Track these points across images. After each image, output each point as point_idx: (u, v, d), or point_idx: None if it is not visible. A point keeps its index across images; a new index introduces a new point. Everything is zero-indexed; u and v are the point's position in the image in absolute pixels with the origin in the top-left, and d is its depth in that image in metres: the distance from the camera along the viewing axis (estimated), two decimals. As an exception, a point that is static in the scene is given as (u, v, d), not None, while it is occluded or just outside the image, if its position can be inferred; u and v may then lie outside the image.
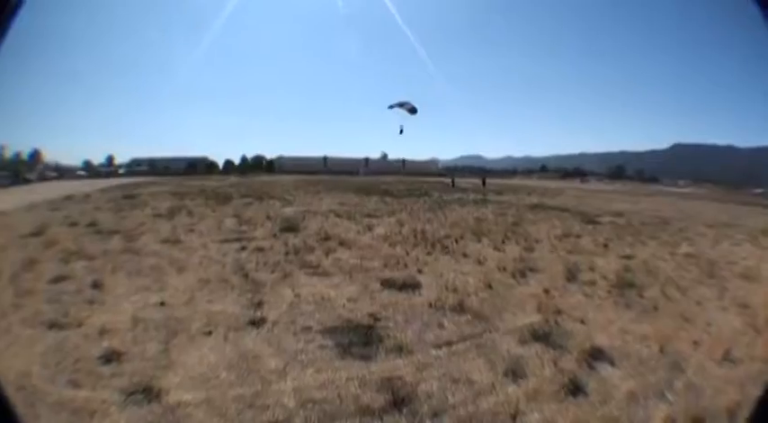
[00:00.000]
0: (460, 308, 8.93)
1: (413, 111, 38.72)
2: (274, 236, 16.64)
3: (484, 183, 53.70)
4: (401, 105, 38.92)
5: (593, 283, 10.79)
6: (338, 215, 22.91)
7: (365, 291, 10.13)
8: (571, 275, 11.41)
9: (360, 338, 7.42)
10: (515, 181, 68.10)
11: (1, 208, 23.74)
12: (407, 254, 14.05)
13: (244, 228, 18.44)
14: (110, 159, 64.49)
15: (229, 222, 19.84)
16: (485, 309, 8.90)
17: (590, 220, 23.05)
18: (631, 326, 8.06)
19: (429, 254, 14.18)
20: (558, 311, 8.73)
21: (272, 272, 11.61)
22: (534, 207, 29.17)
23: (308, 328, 7.84)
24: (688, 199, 42.12)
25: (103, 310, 8.51)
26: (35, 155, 55.11)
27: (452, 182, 55.80)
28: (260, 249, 14.19)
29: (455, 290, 10.20)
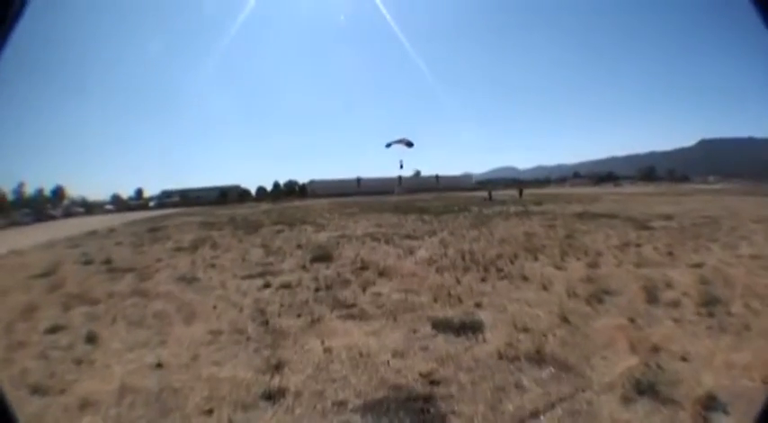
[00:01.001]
0: (539, 356, 6.91)
1: (410, 144, 41.68)
2: (304, 268, 14.79)
3: (521, 194, 53.26)
4: (399, 142, 42.00)
5: (677, 304, 9.13)
6: (375, 239, 21.02)
7: (414, 338, 8.11)
8: (651, 296, 9.66)
9: (414, 419, 5.34)
10: (550, 190, 66.38)
11: (18, 246, 23.16)
12: (458, 282, 12.07)
13: (270, 259, 16.68)
14: (139, 192, 64.18)
15: (256, 254, 18.14)
16: (569, 355, 6.92)
17: (642, 225, 21.22)
18: (733, 355, 6.56)
19: (484, 280, 12.17)
20: (655, 348, 6.94)
21: (299, 315, 9.68)
22: (580, 216, 27.32)
23: (341, 404, 5.80)
24: (723, 195, 40.60)
25: (91, 372, 7.19)
26: (58, 191, 54.77)
27: (489, 195, 54.55)
28: (286, 286, 12.32)
29: (525, 329, 8.16)
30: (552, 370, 6.42)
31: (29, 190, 48.70)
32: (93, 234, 29.28)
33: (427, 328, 8.53)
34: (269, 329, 8.84)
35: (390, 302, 10.36)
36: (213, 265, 15.91)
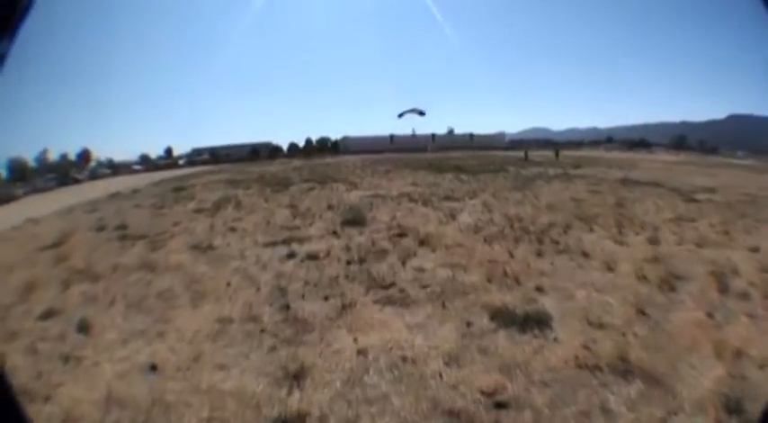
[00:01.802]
0: (622, 364, 5.72)
1: (421, 113, 44.58)
2: (334, 233, 13.13)
3: (557, 155, 50.97)
4: (411, 111, 44.31)
5: (746, 296, 8.15)
6: (412, 199, 19.14)
7: (469, 335, 6.56)
8: (721, 285, 8.59)
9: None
10: (585, 152, 64.43)
11: (35, 214, 21.94)
12: (512, 256, 10.50)
13: (297, 222, 15.06)
14: (168, 151, 62.91)
15: (282, 215, 16.51)
16: (655, 363, 5.77)
17: (688, 197, 19.39)
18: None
19: (540, 255, 10.60)
20: (738, 352, 6.03)
21: (326, 298, 8.12)
22: (623, 182, 24.85)
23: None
24: (754, 172, 37.97)
25: (78, 373, 6.16)
26: (84, 154, 53.71)
27: (525, 155, 52.28)
28: (313, 257, 10.73)
29: (601, 325, 6.81)
30: (640, 385, 5.33)
31: (52, 156, 47.74)
32: (115, 196, 28.06)
33: (484, 321, 7.00)
34: (289, 318, 7.33)
35: (436, 282, 8.77)
36: (234, 229, 14.43)
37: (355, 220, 14.52)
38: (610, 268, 9.49)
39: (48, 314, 8.26)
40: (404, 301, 7.77)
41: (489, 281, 8.73)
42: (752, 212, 15.99)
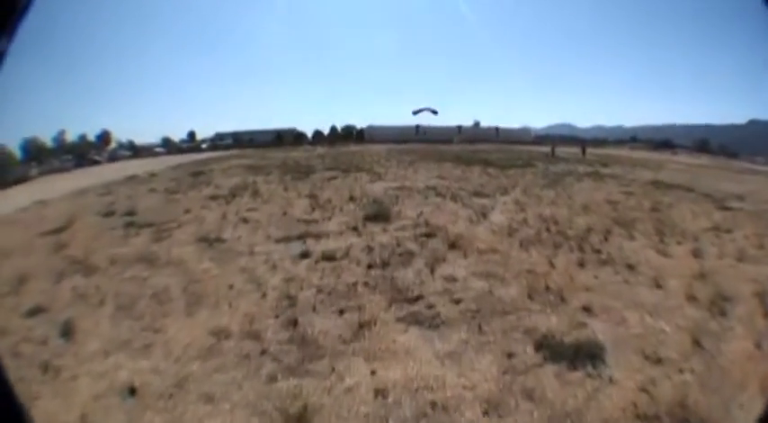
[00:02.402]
0: (682, 412, 4.87)
1: (434, 112, 48.51)
2: (354, 230, 11.98)
3: (584, 152, 49.99)
4: (425, 110, 48.15)
5: None
6: (439, 194, 17.88)
7: (512, 370, 5.48)
8: (766, 309, 7.76)
9: None
10: (610, 151, 63.59)
11: (46, 195, 21.51)
12: (552, 265, 9.33)
13: (316, 215, 13.95)
14: (191, 135, 62.44)
15: (300, 206, 15.43)
16: (711, 407, 5.04)
17: (720, 205, 17.97)
18: None
19: (582, 265, 9.47)
20: None
21: (341, 312, 6.99)
22: (655, 185, 23.15)
23: None
24: None
25: (56, 386, 5.52)
26: (104, 135, 53.22)
27: (552, 151, 51.24)
28: (329, 257, 9.61)
29: (658, 360, 5.89)
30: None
31: (70, 137, 47.28)
32: (131, 179, 27.44)
33: (528, 351, 5.92)
34: (296, 337, 6.25)
35: (470, 296, 7.62)
36: (246, 221, 13.42)
37: (378, 215, 13.35)
38: (658, 285, 8.56)
39: (35, 311, 7.64)
40: (433, 321, 6.64)
41: (530, 297, 7.58)
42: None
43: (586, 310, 7.20)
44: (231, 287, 8.18)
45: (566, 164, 34.65)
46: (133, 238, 12.13)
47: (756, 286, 8.71)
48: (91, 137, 52.98)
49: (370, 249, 10.10)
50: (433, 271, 8.68)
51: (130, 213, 15.46)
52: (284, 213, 14.23)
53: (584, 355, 5.68)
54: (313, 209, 14.83)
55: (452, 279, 8.27)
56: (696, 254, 10.83)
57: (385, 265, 9.05)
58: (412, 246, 10.38)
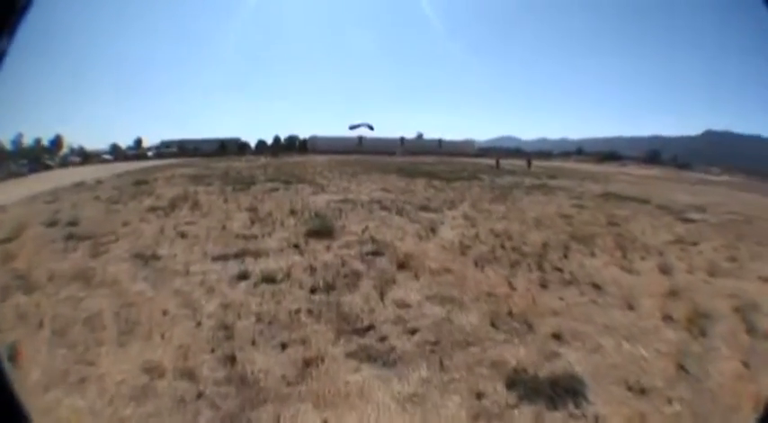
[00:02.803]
0: None
1: (371, 128, 48.82)
2: (296, 247, 10.83)
3: (529, 164, 48.89)
4: (361, 125, 48.68)
5: None
6: (385, 207, 16.87)
7: (484, 416, 4.58)
8: (748, 324, 7.19)
9: None
10: (556, 163, 64.40)
11: (3, 201, 19.76)
12: (512, 287, 8.47)
13: (255, 230, 12.69)
14: (138, 142, 59.56)
15: (239, 220, 14.13)
16: None
17: (680, 217, 17.50)
18: None
19: (544, 286, 8.61)
20: None
21: (283, 347, 5.92)
22: (606, 197, 22.66)
23: None
24: (735, 189, 37.57)
25: None
26: (57, 140, 50.14)
27: (497, 163, 50.07)
28: (270, 279, 8.44)
29: (642, 390, 5.12)
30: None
31: (27, 140, 44.27)
32: (79, 186, 25.48)
33: (500, 389, 5.00)
34: (234, 377, 5.17)
35: (426, 324, 6.68)
36: (184, 235, 12.09)
37: (321, 230, 12.21)
38: (630, 305, 7.80)
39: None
40: (388, 356, 5.66)
41: (493, 324, 6.72)
42: (749, 234, 14.73)
43: (556, 337, 6.41)
44: (165, 313, 7.01)
45: (512, 176, 34.27)
46: (72, 253, 10.93)
47: (735, 301, 8.18)
48: (45, 141, 49.62)
49: (312, 270, 9.01)
50: (383, 295, 7.69)
51: (73, 223, 14.24)
52: (223, 227, 12.97)
53: (563, 391, 4.91)
54: (253, 223, 13.59)
55: (405, 305, 7.34)
56: (664, 270, 10.19)
57: (330, 288, 7.97)
58: (358, 265, 9.35)
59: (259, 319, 6.66)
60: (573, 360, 5.64)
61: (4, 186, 29.33)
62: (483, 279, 8.80)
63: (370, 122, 45.97)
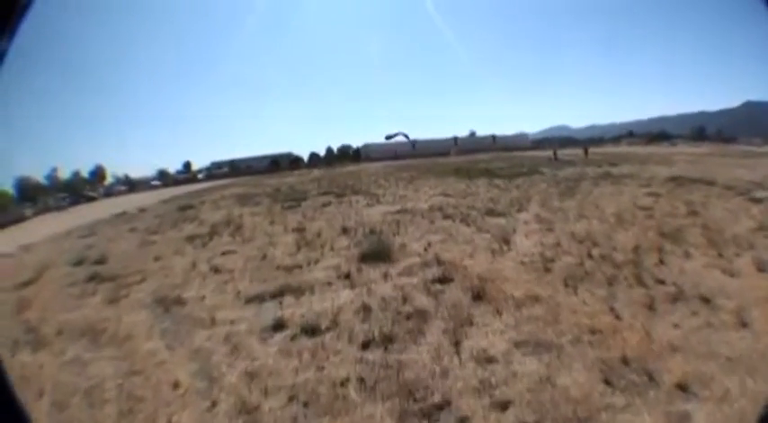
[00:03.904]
0: None
1: (406, 137, 49.20)
2: (347, 278, 9.06)
3: (586, 153, 47.58)
4: (397, 135, 48.94)
5: None
6: (447, 215, 14.93)
7: None
8: None
9: None
10: (609, 149, 61.96)
11: (33, 239, 19.81)
12: (616, 315, 6.58)
13: (300, 257, 11.06)
14: (187, 165, 60.18)
15: (283, 245, 12.59)
16: None
17: (749, 197, 15.53)
18: None
19: (651, 308, 6.77)
20: None
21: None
22: (675, 181, 20.37)
23: None
24: None
25: None
26: (97, 171, 50.91)
27: (555, 155, 47.86)
28: (311, 330, 6.69)
29: None
30: None
31: (64, 174, 45.09)
32: (119, 217, 25.12)
33: None
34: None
35: (521, 390, 4.79)
36: (217, 270, 10.68)
37: (377, 252, 10.36)
38: (743, 322, 6.21)
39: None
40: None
41: (607, 381, 4.81)
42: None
43: (682, 387, 4.60)
44: (176, 386, 5.53)
45: (572, 167, 32.13)
46: (89, 298, 9.87)
47: None
48: (84, 173, 50.57)
49: (366, 311, 7.19)
50: (457, 344, 5.81)
51: (100, 261, 13.37)
52: (264, 256, 11.44)
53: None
54: (299, 248, 11.99)
55: (488, 358, 5.44)
56: (761, 267, 8.40)
57: (388, 340, 6.11)
58: (423, 300, 7.44)
59: (292, 397, 4.93)
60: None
61: (39, 222, 29.73)
62: (579, 306, 6.87)
63: (406, 131, 47.40)
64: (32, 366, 6.63)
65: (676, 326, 6.06)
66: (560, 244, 10.28)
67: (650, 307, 6.70)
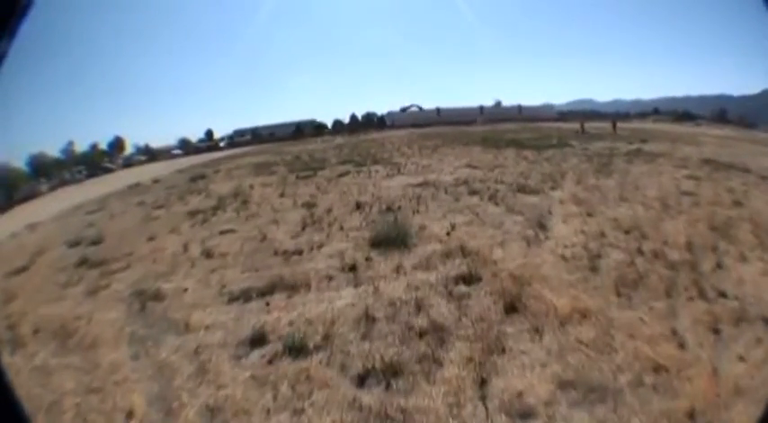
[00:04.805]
0: None
1: (420, 108, 45.70)
2: (351, 270, 7.55)
3: (615, 127, 44.66)
4: (412, 106, 45.29)
5: None
6: (473, 191, 13.22)
7: None
8: None
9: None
10: (635, 125, 59.08)
11: (42, 215, 18.79)
12: (681, 344, 5.09)
13: (303, 239, 9.62)
14: (209, 134, 58.93)
15: (290, 222, 11.23)
16: None
17: None
18: None
19: (716, 331, 5.44)
20: None
21: None
22: (711, 165, 18.01)
23: None
24: None
25: None
26: (117, 143, 49.92)
27: (582, 128, 46.05)
28: (296, 349, 5.26)
29: None
30: None
31: (80, 147, 44.19)
32: (133, 188, 24.30)
33: None
34: None
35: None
36: (209, 255, 9.38)
37: (392, 237, 8.73)
38: None
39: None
40: None
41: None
42: None
43: None
44: (129, 416, 4.51)
45: (602, 141, 30.06)
46: (73, 288, 8.92)
47: None
48: (103, 145, 49.77)
49: (369, 322, 5.67)
50: (484, 385, 4.30)
51: (96, 242, 12.40)
52: (264, 238, 10.06)
53: None
54: (304, 227, 10.59)
55: (525, 412, 3.95)
56: None
57: (392, 371, 4.61)
58: (442, 308, 5.87)
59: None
60: None
61: (52, 197, 29.17)
62: (636, 325, 5.35)
63: (420, 103, 43.26)
64: (12, 371, 5.50)
65: (741, 359, 4.71)
66: (605, 234, 8.65)
67: (714, 329, 5.32)
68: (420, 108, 40.59)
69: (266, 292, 6.88)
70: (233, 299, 6.86)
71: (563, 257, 7.43)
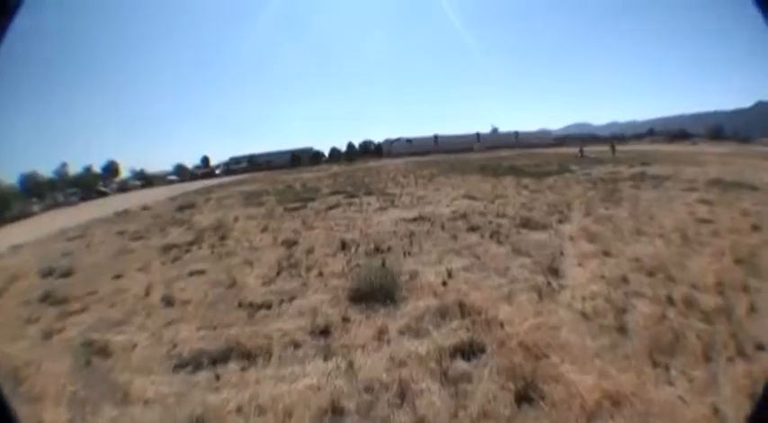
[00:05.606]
0: None
1: (409, 141, 51.76)
2: (323, 335, 6.10)
3: (613, 150, 45.44)
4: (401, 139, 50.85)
5: None
6: (473, 227, 12.00)
7: None
8: None
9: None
10: (632, 146, 60.69)
11: (25, 238, 19.03)
12: None
13: (275, 288, 8.36)
14: (205, 160, 58.98)
15: (264, 265, 10.09)
16: None
17: None
18: None
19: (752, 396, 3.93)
20: None
21: None
22: (719, 186, 17.46)
23: None
24: None
25: None
26: (111, 166, 49.72)
27: (581, 152, 46.56)
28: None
29: None
30: None
31: (74, 169, 44.18)
32: (120, 215, 23.54)
33: None
34: None
35: None
36: (170, 302, 8.16)
37: (376, 289, 7.29)
38: None
39: None
40: None
41: None
42: None
43: None
44: None
45: (602, 166, 29.65)
46: (31, 327, 7.99)
47: None
48: (97, 168, 49.29)
49: (336, 415, 4.22)
50: None
51: (66, 274, 11.79)
52: (232, 284, 8.83)
53: None
54: (279, 272, 9.36)
55: None
56: None
57: None
58: (434, 396, 4.34)
59: None
60: None
61: (41, 218, 28.36)
62: (677, 410, 3.96)
63: (407, 136, 47.06)
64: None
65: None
66: (627, 279, 7.32)
67: (752, 395, 4.00)
68: (409, 140, 42.44)
69: (219, 359, 5.54)
70: (181, 365, 5.53)
71: (583, 314, 6.05)
